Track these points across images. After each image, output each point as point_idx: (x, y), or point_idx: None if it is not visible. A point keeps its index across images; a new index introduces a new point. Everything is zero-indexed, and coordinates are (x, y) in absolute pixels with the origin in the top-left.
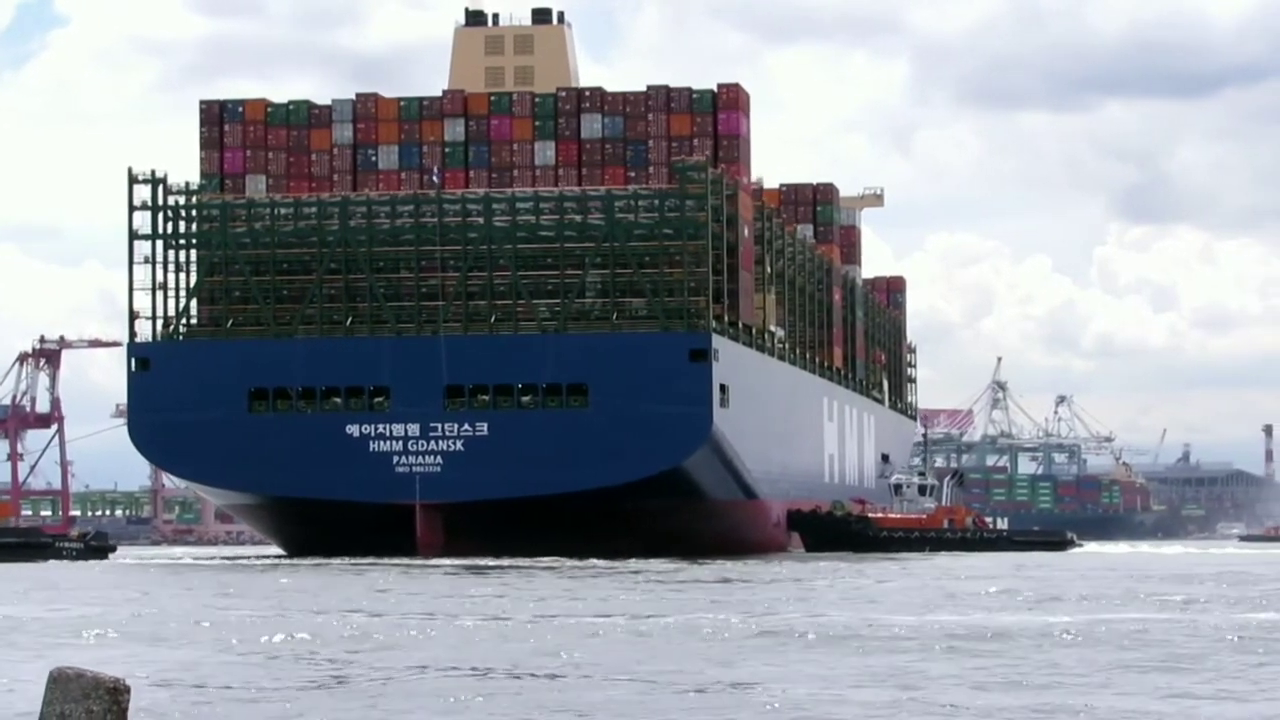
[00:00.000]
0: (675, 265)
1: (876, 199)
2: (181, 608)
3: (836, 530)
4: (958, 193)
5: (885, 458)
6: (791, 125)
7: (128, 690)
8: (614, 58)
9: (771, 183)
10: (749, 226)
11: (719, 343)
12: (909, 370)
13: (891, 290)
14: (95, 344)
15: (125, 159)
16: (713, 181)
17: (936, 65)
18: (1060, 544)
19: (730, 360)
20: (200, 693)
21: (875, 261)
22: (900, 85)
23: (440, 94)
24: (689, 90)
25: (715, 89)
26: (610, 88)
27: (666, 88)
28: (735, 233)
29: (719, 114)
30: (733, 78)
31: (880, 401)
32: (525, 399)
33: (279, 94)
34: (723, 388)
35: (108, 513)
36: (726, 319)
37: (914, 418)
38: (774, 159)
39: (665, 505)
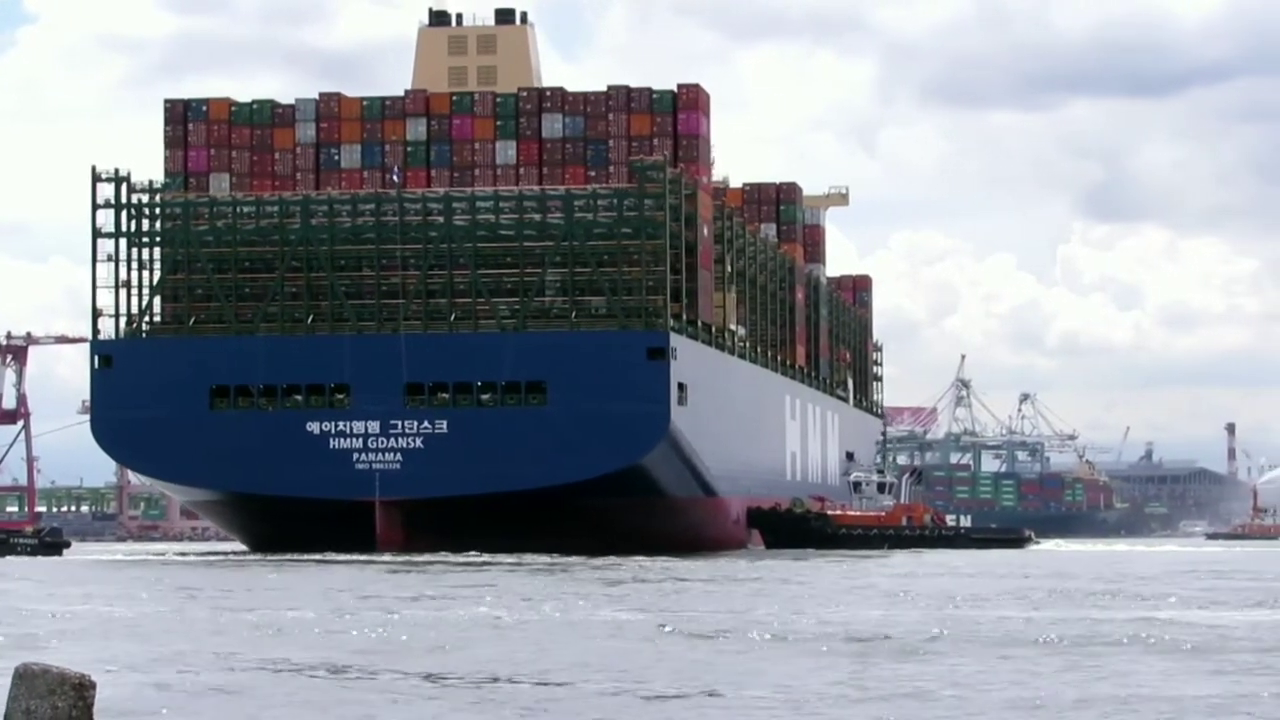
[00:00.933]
0: (634, 264)
1: (842, 198)
2: (136, 604)
3: (795, 527)
4: (923, 191)
5: (850, 455)
6: (758, 124)
7: (93, 686)
8: (581, 56)
9: (738, 181)
10: (708, 225)
11: (677, 341)
12: (875, 369)
13: (858, 289)
14: (62, 340)
15: (92, 156)
16: (671, 181)
17: (902, 64)
18: (1017, 541)
19: (689, 358)
20: (163, 688)
21: (840, 260)
22: (866, 84)
23: (402, 94)
24: (649, 90)
25: (675, 89)
26: (578, 87)
27: (627, 88)
28: (694, 232)
29: (679, 114)
30: (699, 76)
31: (845, 400)
32: (484, 397)
33: (247, 91)
34: (681, 386)
35: (73, 509)
36: (685, 318)
37: (881, 416)
38: (740, 157)
39: (624, 502)
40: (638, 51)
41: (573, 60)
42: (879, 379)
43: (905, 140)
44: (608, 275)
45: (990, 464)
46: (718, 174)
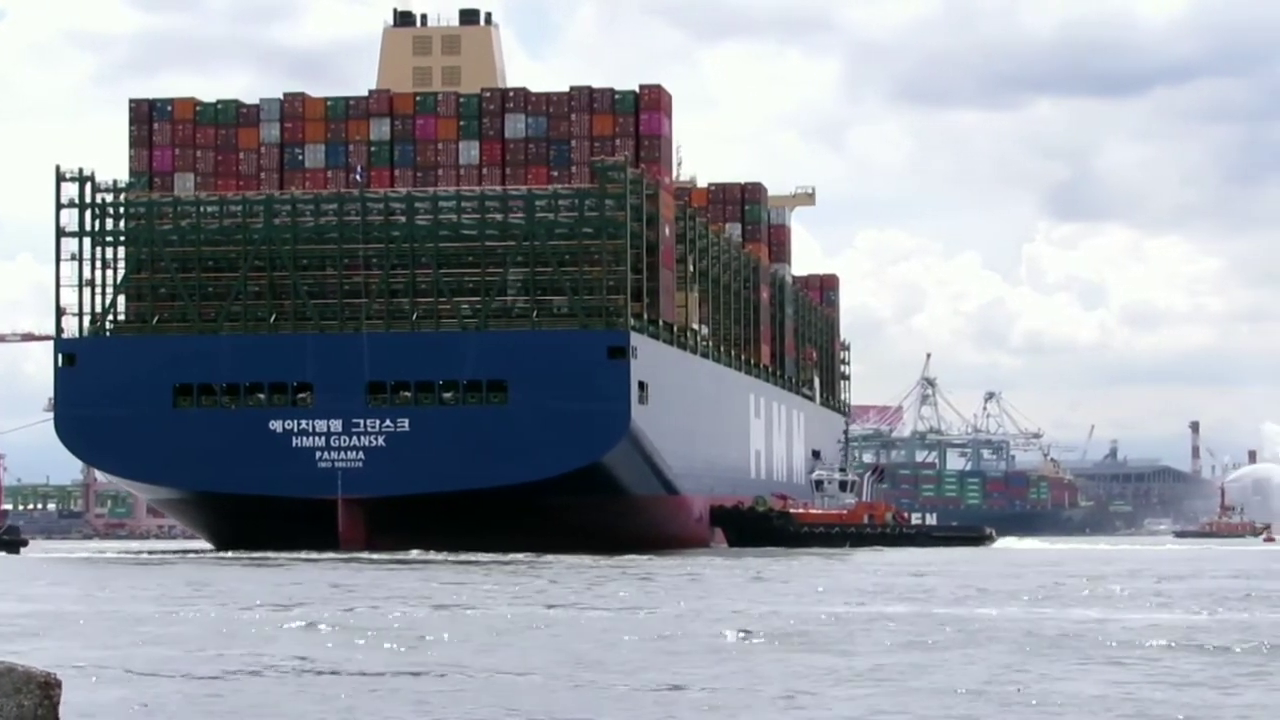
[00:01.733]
0: (595, 264)
1: (808, 198)
2: (94, 602)
3: (758, 526)
4: (889, 190)
5: (816, 454)
6: (725, 123)
7: (59, 684)
8: (549, 55)
9: (706, 181)
10: (670, 226)
11: (638, 340)
12: (842, 367)
13: (825, 288)
14: (29, 338)
15: (60, 153)
16: (632, 181)
17: (869, 63)
18: (978, 539)
19: (650, 358)
20: (128, 687)
21: (806, 259)
22: (833, 83)
23: (366, 94)
24: (611, 91)
25: (637, 90)
26: (547, 86)
27: (589, 88)
28: (656, 232)
29: (641, 114)
30: (667, 76)
31: (811, 398)
32: (446, 395)
33: (216, 89)
34: (641, 385)
35: (40, 506)
36: (646, 317)
37: (848, 414)
38: (708, 157)
39: (586, 501)
40: (605, 51)
41: (540, 59)
42: (846, 378)
43: (872, 139)
44: (569, 275)
45: (955, 462)
46: (685, 174)
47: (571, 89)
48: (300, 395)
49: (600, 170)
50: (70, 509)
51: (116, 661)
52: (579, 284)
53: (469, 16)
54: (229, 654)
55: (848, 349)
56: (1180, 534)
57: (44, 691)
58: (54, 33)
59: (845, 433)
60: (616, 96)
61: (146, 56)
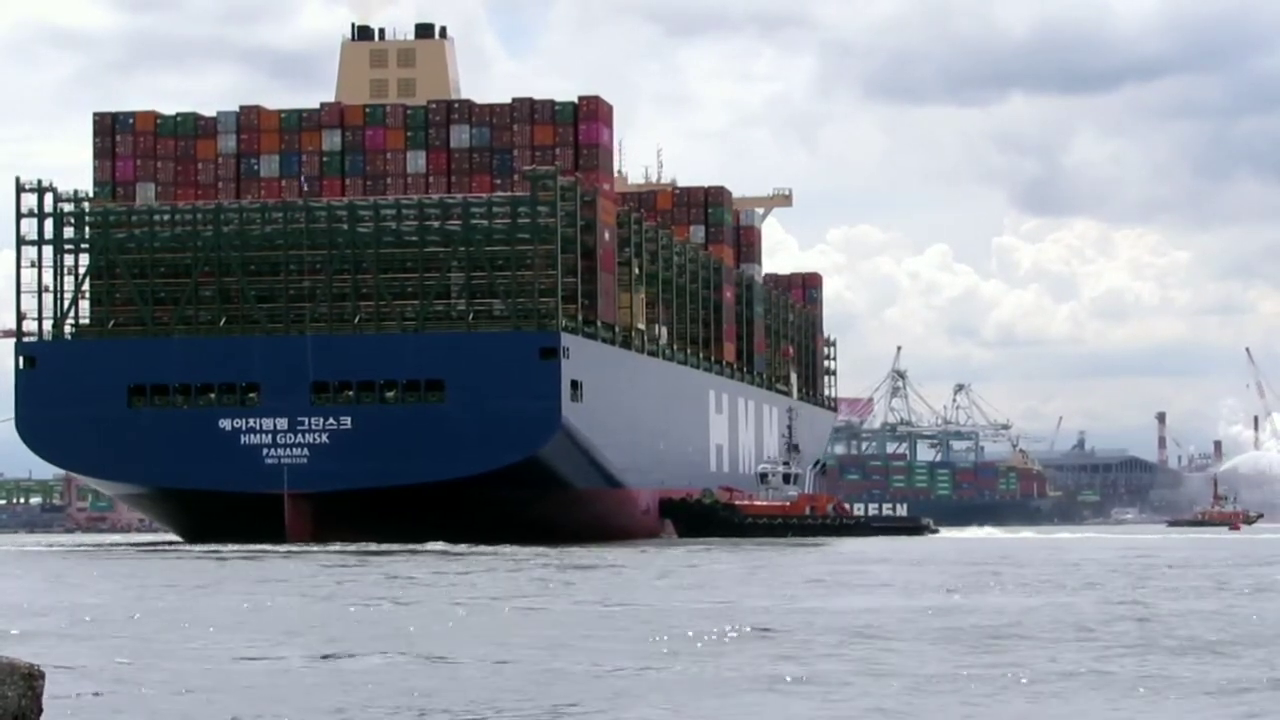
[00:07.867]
0: (529, 268)
1: (785, 199)
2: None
3: (705, 517)
4: (861, 186)
5: (795, 447)
6: (700, 120)
7: (42, 676)
8: (526, 55)
9: (685, 181)
10: (610, 230)
11: (570, 341)
12: (827, 363)
13: (807, 286)
14: (7, 334)
15: (32, 158)
16: (565, 188)
17: (843, 60)
18: (916, 530)
19: (584, 357)
20: (111, 679)
21: (784, 257)
22: (807, 80)
23: (319, 106)
24: (551, 102)
25: (576, 101)
26: (524, 87)
27: (530, 100)
28: (594, 236)
29: (580, 124)
30: (641, 75)
31: (787, 394)
32: (387, 394)
33: (196, 89)
34: (575, 383)
35: (22, 501)
36: (584, 318)
37: (833, 409)
38: (681, 154)
39: (528, 494)
40: (579, 51)
41: (518, 58)
42: (831, 373)
43: (845, 135)
44: (504, 279)
45: (925, 453)
46: (666, 176)
47: (514, 100)
48: (248, 395)
49: (533, 178)
50: (52, 503)
51: (93, 655)
52: (514, 288)
53: (424, 31)
54: (204, 647)
55: (832, 345)
56: (1173, 523)
57: (27, 683)
58: (29, 32)
59: (790, 426)
60: (556, 107)
61: (121, 58)
